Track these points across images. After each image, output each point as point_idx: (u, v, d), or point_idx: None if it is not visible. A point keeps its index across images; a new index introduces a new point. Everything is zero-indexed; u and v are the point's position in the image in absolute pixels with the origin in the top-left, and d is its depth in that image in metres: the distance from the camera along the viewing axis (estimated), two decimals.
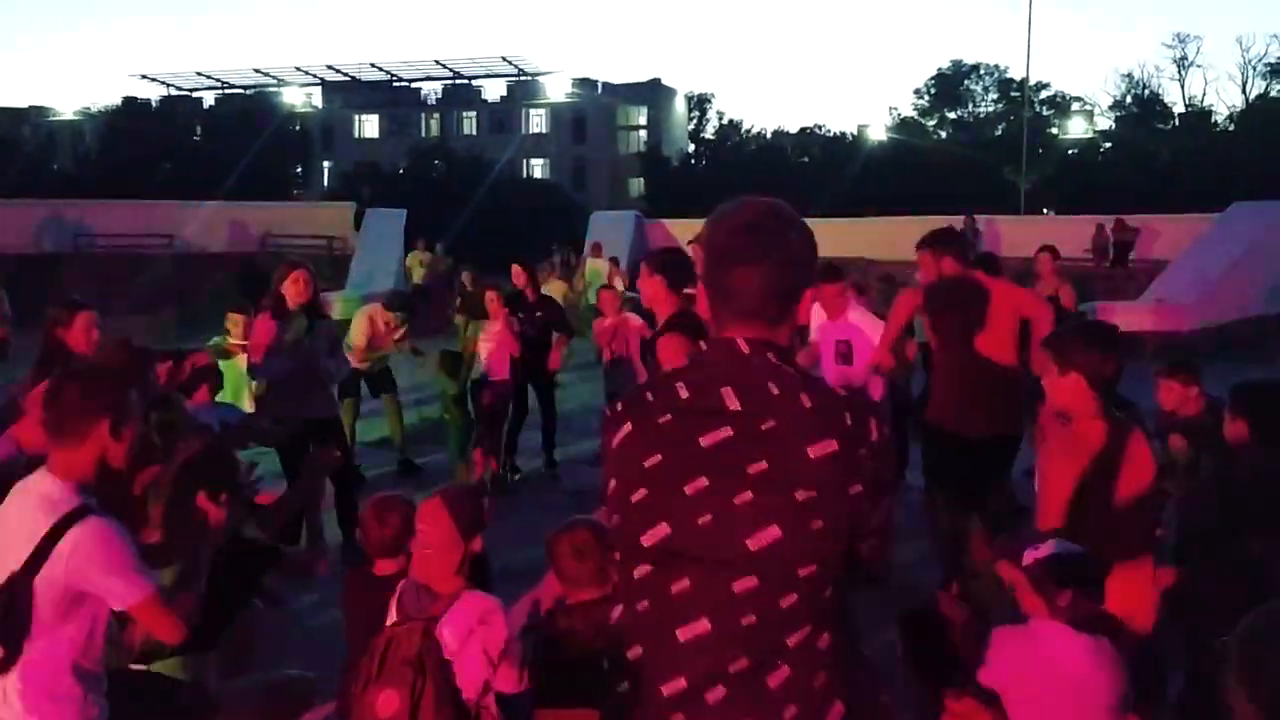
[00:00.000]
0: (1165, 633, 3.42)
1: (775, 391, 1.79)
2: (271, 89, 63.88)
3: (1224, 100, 66.75)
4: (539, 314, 8.67)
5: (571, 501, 8.41)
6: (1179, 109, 54.30)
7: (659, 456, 1.80)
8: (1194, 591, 3.50)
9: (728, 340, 1.85)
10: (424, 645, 2.82)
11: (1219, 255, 17.29)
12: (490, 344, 8.22)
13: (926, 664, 2.77)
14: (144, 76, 61.59)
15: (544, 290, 9.69)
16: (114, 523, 2.62)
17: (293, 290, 6.28)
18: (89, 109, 65.01)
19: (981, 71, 57.53)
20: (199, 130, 53.05)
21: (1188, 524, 3.75)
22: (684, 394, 1.83)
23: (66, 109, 67.95)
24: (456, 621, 2.86)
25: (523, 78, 66.73)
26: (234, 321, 7.56)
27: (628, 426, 1.86)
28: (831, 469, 1.74)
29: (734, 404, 1.79)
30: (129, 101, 55.81)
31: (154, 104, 57.14)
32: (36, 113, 67.56)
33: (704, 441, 1.78)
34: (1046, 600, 2.70)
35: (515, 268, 8.71)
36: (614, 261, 18.93)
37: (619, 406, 1.92)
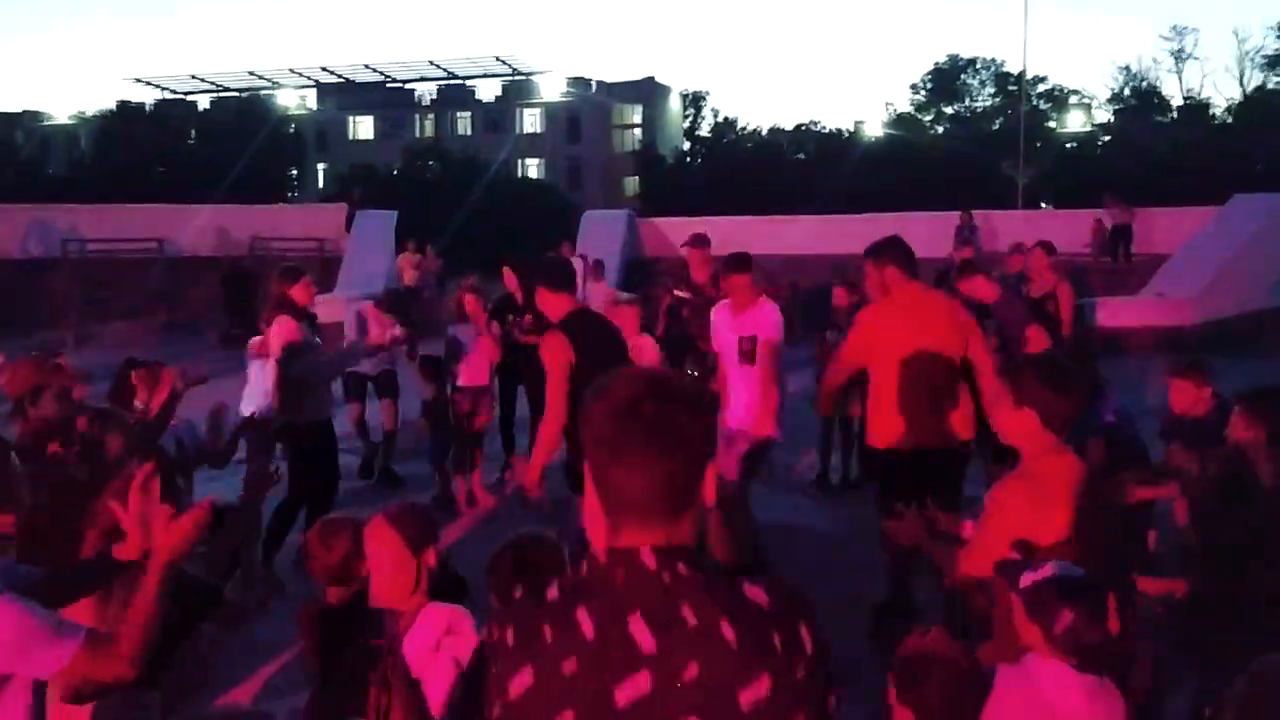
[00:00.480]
0: (1172, 660, 3.22)
1: (693, 622, 1.54)
2: (266, 91, 63.68)
3: (1221, 93, 66.64)
4: (529, 316, 8.44)
5: (554, 509, 8.17)
6: (1177, 102, 54.20)
7: (569, 716, 1.55)
8: (1211, 620, 3.28)
9: (628, 553, 1.59)
10: (389, 664, 2.69)
11: (1220, 248, 17.11)
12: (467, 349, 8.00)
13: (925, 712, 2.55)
14: (138, 80, 61.38)
15: None
16: (8, 597, 2.39)
17: (303, 294, 6.48)
18: (83, 113, 64.92)
19: (978, 65, 57.44)
20: (193, 134, 52.93)
21: (1206, 540, 3.54)
22: (589, 631, 1.57)
23: (61, 113, 67.84)
24: (419, 638, 2.73)
25: (517, 77, 66.56)
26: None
27: (527, 675, 1.58)
28: (769, 710, 1.53)
29: (648, 643, 1.54)
30: (123, 105, 55.70)
31: (148, 107, 57.04)
32: (31, 117, 67.48)
33: (620, 698, 1.54)
34: (1043, 627, 2.49)
35: (505, 270, 8.46)
36: (598, 265, 17.14)
37: (509, 633, 1.62)
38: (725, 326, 6.27)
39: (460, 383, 8.03)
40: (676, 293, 7.93)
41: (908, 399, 5.17)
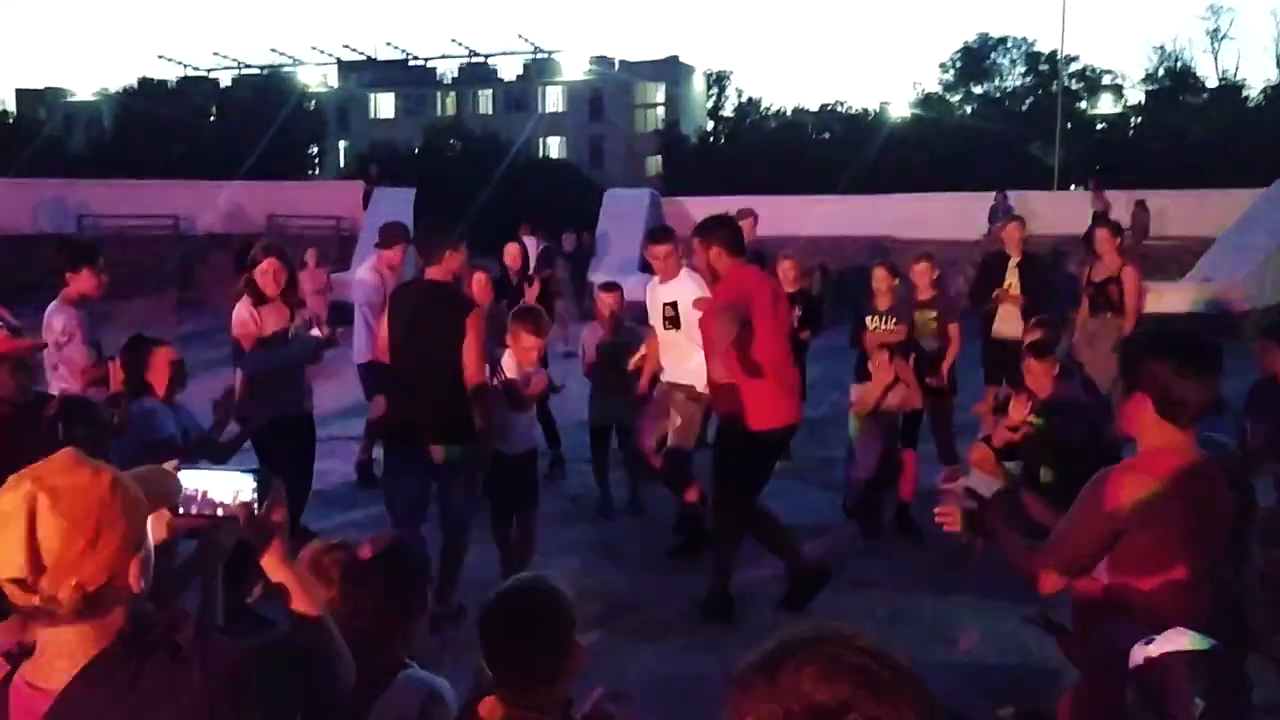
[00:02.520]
0: None
1: None
2: (287, 68, 63.21)
3: (1260, 74, 65.31)
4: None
5: (572, 509, 7.74)
6: (1211, 83, 53.02)
7: None
8: None
9: None
10: None
11: (1269, 231, 16.43)
12: None
13: None
14: (160, 57, 61.13)
15: None
16: None
17: (265, 280, 5.78)
18: (106, 90, 64.72)
19: (1009, 45, 56.32)
20: (214, 111, 52.52)
21: None
22: None
23: (84, 90, 67.67)
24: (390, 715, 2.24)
25: (539, 55, 65.89)
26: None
27: None
28: None
29: None
30: (144, 82, 55.35)
31: (170, 85, 56.67)
32: (54, 94, 67.32)
33: None
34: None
35: (511, 245, 7.98)
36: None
37: None
38: (651, 296, 6.61)
39: None
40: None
41: (788, 376, 5.44)
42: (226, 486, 1.88)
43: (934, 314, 7.35)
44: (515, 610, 2.18)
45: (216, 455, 4.88)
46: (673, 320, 6.39)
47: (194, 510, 1.87)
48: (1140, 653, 1.92)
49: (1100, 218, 14.28)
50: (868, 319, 7.43)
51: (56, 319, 5.45)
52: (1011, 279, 8.06)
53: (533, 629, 2.14)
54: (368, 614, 2.38)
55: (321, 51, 62.92)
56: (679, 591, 5.89)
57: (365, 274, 7.82)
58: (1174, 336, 2.59)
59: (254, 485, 1.87)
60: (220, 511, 1.87)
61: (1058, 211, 22.02)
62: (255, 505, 1.86)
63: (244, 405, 5.50)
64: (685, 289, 6.29)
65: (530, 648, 2.12)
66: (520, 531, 5.72)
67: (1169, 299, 14.87)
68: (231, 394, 5.32)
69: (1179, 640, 1.91)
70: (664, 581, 6.12)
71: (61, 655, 1.61)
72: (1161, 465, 2.49)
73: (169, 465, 1.88)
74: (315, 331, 6.46)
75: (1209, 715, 1.80)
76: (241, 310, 5.83)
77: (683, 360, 6.38)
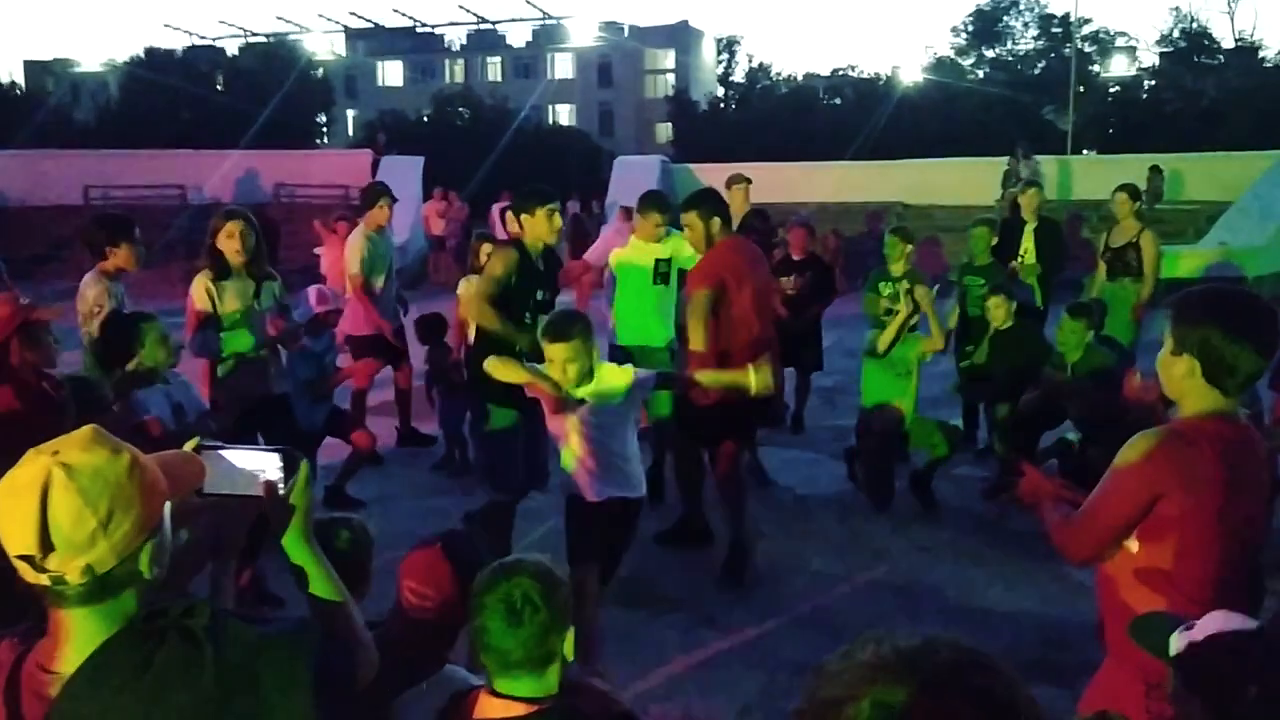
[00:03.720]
0: None
1: None
2: (294, 36, 62.81)
3: (1277, 35, 64.37)
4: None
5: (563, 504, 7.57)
6: (1228, 44, 52.29)
7: None
8: None
9: None
10: None
11: None
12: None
13: None
14: (167, 26, 60.81)
15: None
16: None
17: (229, 247, 5.39)
18: (113, 61, 64.43)
19: (1021, 7, 55.59)
20: (221, 80, 52.25)
21: None
22: None
23: (92, 61, 67.42)
24: None
25: (547, 22, 65.31)
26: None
27: None
28: None
29: None
30: (151, 52, 55.06)
31: (177, 54, 56.36)
32: (61, 65, 67.10)
33: None
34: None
35: (508, 214, 7.88)
36: (625, 212, 16.45)
37: None
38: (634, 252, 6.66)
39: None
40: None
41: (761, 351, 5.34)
42: (252, 465, 1.83)
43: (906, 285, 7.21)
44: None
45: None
46: (664, 277, 6.52)
47: (218, 491, 1.80)
48: (1183, 639, 1.79)
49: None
50: (880, 284, 7.34)
51: (90, 290, 5.26)
52: (1028, 244, 7.95)
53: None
54: (434, 608, 2.34)
55: (328, 19, 62.83)
56: (692, 565, 5.82)
57: (352, 239, 7.76)
58: (1230, 299, 2.47)
59: (280, 464, 1.83)
60: (245, 490, 1.81)
61: (1070, 177, 21.79)
62: (280, 484, 1.81)
63: (212, 394, 5.36)
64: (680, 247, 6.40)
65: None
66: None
67: (1185, 263, 14.72)
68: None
69: (1223, 622, 1.79)
70: (676, 557, 6.02)
71: (71, 638, 1.58)
72: (1205, 431, 2.39)
73: (189, 445, 1.81)
74: (312, 301, 6.34)
75: (1261, 698, 1.69)
76: (196, 286, 5.42)
77: (667, 318, 6.58)
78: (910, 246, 7.38)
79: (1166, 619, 1.93)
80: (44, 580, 1.54)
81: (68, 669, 1.55)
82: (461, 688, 2.26)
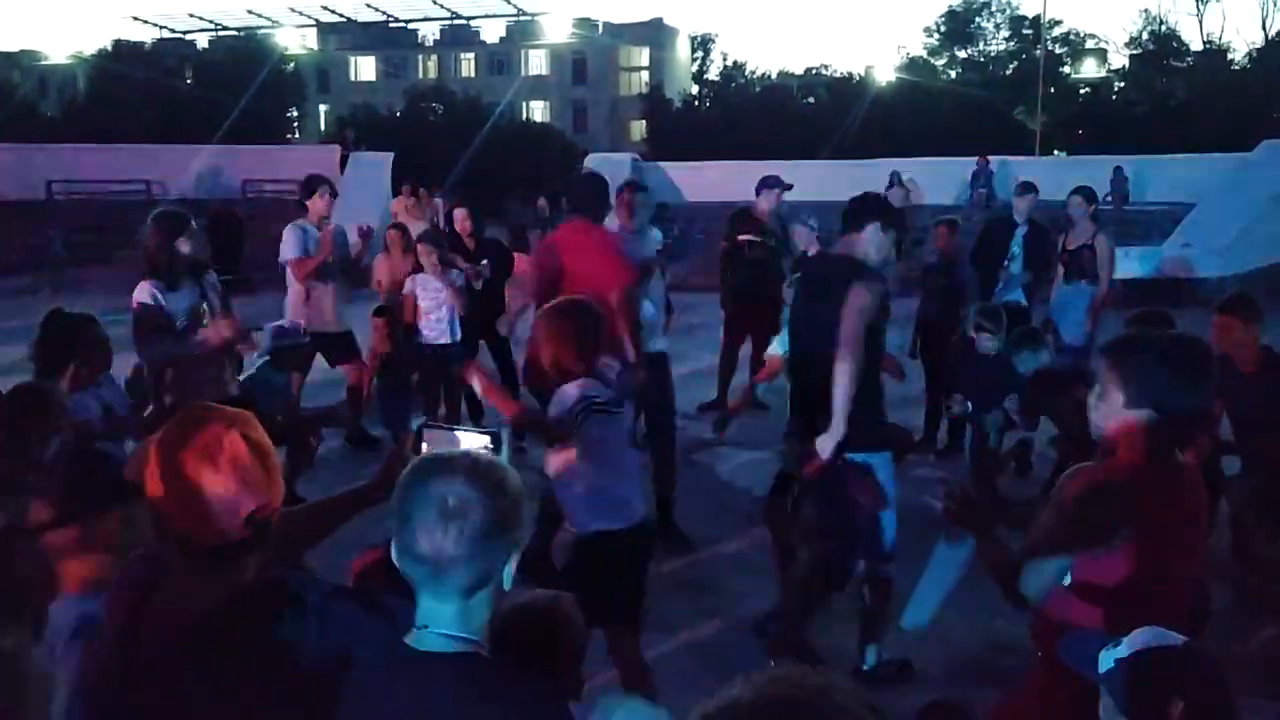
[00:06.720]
0: None
1: None
2: (265, 30, 62.34)
3: (1243, 38, 65.18)
4: (484, 261, 7.86)
5: (540, 482, 7.54)
6: (1196, 46, 52.77)
7: None
8: None
9: None
10: None
11: (1250, 197, 16.33)
12: (426, 301, 7.40)
13: None
14: (135, 19, 60.22)
15: None
16: None
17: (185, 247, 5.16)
18: (80, 53, 63.78)
19: (993, 8, 55.90)
20: (190, 74, 51.78)
21: None
22: None
23: (58, 54, 66.72)
24: None
25: (522, 18, 65.16)
26: None
27: None
28: None
29: None
30: (119, 45, 54.52)
31: (146, 47, 55.83)
32: (28, 57, 66.33)
33: None
34: None
35: (459, 210, 8.00)
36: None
37: None
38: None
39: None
40: (741, 238, 8.66)
41: None
42: (469, 442, 2.07)
43: None
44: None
45: (137, 433, 4.50)
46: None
47: None
48: (1109, 657, 1.79)
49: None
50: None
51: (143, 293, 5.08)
52: (1016, 250, 8.06)
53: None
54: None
55: (300, 13, 61.96)
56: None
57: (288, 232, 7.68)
58: (1174, 345, 2.44)
59: (489, 443, 2.07)
60: None
61: (1039, 178, 21.87)
62: None
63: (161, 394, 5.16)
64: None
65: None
66: None
67: (1144, 264, 14.82)
68: (140, 373, 5.03)
69: (1150, 639, 1.78)
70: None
71: (193, 592, 1.72)
72: (1145, 470, 2.36)
73: (416, 424, 2.23)
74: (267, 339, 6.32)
75: (1189, 714, 1.68)
76: (140, 292, 5.12)
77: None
78: (957, 236, 7.66)
79: (1097, 636, 1.91)
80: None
81: (186, 621, 1.73)
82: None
